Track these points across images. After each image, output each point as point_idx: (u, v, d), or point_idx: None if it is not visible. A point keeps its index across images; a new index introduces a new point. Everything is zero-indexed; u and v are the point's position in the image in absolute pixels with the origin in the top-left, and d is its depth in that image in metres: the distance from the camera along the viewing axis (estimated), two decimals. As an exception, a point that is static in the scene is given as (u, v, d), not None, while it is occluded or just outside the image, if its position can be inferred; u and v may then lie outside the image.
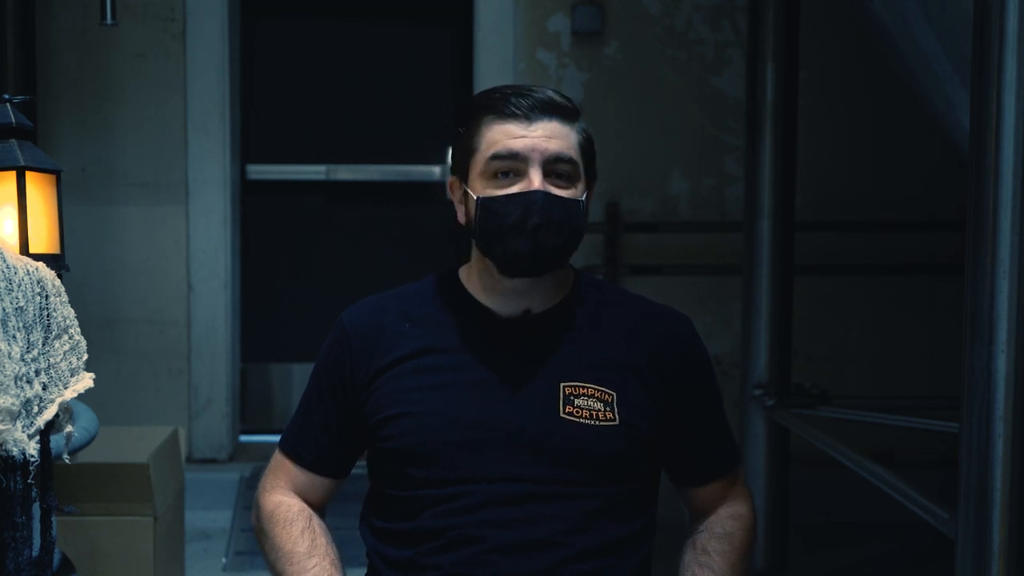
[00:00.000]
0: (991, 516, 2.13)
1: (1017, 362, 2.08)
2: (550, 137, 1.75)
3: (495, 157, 1.76)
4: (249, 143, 4.91)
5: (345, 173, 4.96)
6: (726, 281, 4.57)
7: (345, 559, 1.88)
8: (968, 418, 2.15)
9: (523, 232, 1.74)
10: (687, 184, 4.72)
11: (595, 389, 1.80)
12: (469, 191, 1.80)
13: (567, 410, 1.78)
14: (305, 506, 1.90)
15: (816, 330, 4.68)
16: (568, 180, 1.77)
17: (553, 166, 1.76)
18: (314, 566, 1.81)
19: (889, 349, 4.76)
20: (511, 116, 1.76)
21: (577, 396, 1.79)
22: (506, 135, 1.76)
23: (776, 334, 3.77)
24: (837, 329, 4.76)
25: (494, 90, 1.82)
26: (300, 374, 5.00)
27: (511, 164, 1.76)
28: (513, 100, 1.76)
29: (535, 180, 1.74)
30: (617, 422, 1.78)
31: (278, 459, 1.94)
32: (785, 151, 3.74)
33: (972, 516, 2.16)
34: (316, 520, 1.89)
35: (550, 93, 1.79)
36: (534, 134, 1.75)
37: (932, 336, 4.70)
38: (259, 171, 4.94)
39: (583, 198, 1.79)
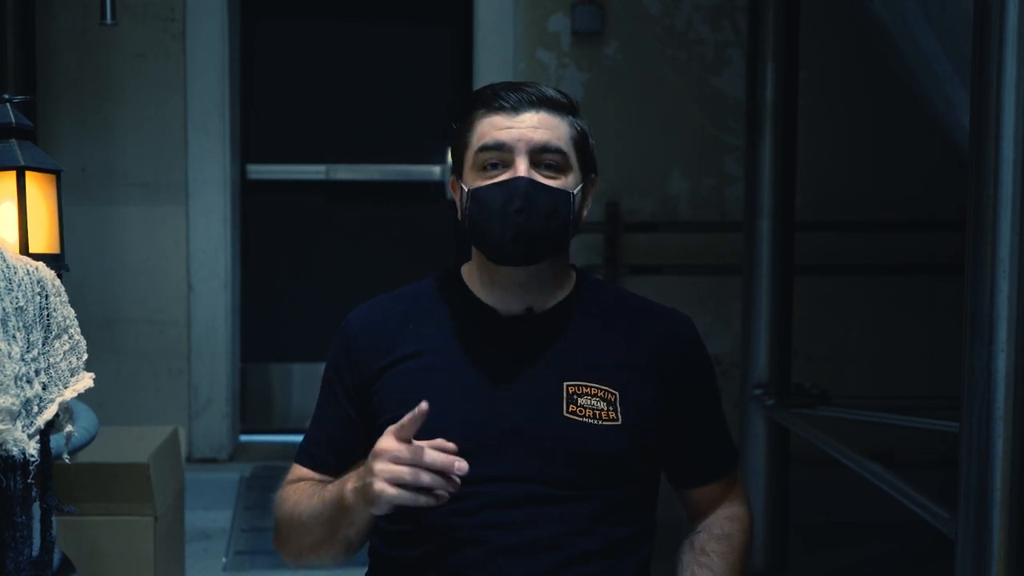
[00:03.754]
0: (991, 516, 2.13)
1: (1017, 362, 2.08)
2: (537, 127, 1.77)
3: (483, 148, 1.78)
4: (249, 143, 4.91)
5: (345, 173, 4.96)
6: (726, 281, 4.57)
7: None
8: (968, 418, 2.15)
9: (506, 217, 1.76)
10: (687, 184, 4.72)
11: (598, 388, 1.80)
12: (463, 185, 1.82)
13: (570, 409, 1.78)
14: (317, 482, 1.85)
15: (816, 330, 4.68)
16: (557, 170, 1.79)
17: (541, 156, 1.77)
18: (319, 490, 1.77)
19: (889, 349, 4.76)
20: (499, 109, 1.78)
21: (580, 395, 1.79)
22: (493, 127, 1.78)
23: (776, 334, 3.77)
24: (837, 329, 4.77)
25: (488, 86, 1.84)
26: (300, 374, 5.00)
27: (498, 155, 1.77)
28: (502, 94, 1.79)
29: (521, 168, 1.76)
30: (620, 422, 1.78)
31: (293, 470, 1.90)
32: (785, 151, 3.74)
33: (972, 516, 2.16)
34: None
35: (543, 88, 1.81)
36: (521, 125, 1.77)
37: (932, 336, 4.70)
38: (259, 171, 4.95)
39: (575, 190, 1.80)
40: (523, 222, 1.75)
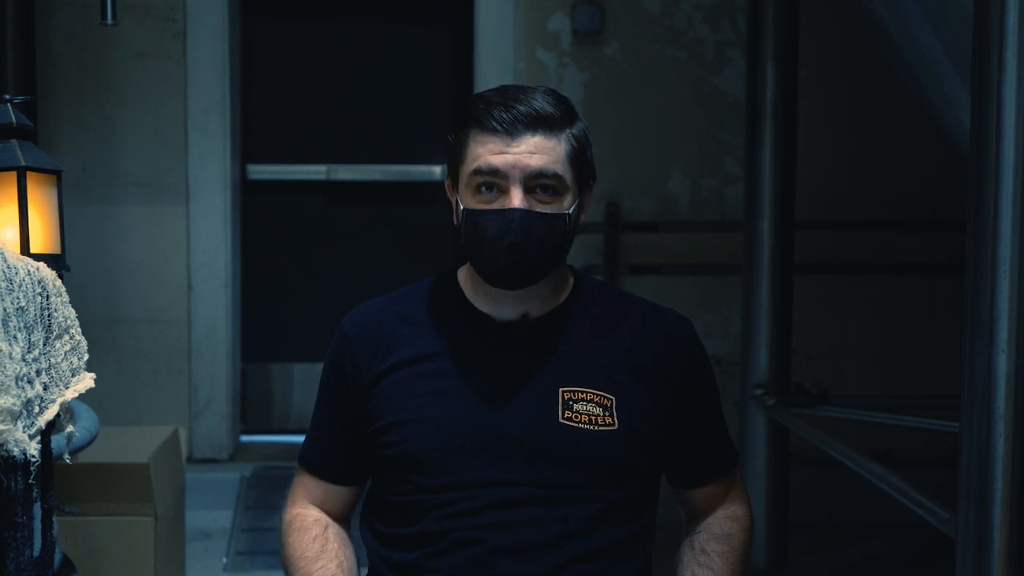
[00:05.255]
0: (991, 516, 2.13)
1: (1017, 362, 2.08)
2: (532, 153, 1.74)
3: (477, 172, 1.75)
4: (249, 143, 4.91)
5: (345, 173, 4.97)
6: (726, 281, 4.57)
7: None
8: (968, 417, 2.16)
9: (499, 248, 1.74)
10: (687, 184, 4.72)
11: (594, 394, 1.79)
12: (459, 198, 1.80)
13: (566, 415, 1.78)
14: (322, 516, 1.90)
15: (816, 329, 4.68)
16: (553, 194, 1.76)
17: (536, 181, 1.74)
18: (319, 568, 1.82)
19: (889, 348, 4.76)
20: (493, 131, 1.74)
21: (576, 401, 1.79)
22: (488, 151, 1.75)
23: (776, 333, 3.77)
24: (837, 328, 4.77)
25: (484, 97, 1.79)
26: (300, 374, 5.00)
27: (492, 180, 1.75)
28: (496, 113, 1.74)
29: (515, 197, 1.74)
30: (616, 427, 1.78)
31: (298, 474, 1.94)
32: (785, 151, 3.74)
33: (972, 516, 2.16)
34: (333, 528, 1.89)
35: (537, 102, 1.75)
36: (516, 150, 1.73)
37: (932, 336, 4.70)
38: (259, 171, 4.95)
39: (570, 211, 1.77)
40: (517, 255, 1.74)
